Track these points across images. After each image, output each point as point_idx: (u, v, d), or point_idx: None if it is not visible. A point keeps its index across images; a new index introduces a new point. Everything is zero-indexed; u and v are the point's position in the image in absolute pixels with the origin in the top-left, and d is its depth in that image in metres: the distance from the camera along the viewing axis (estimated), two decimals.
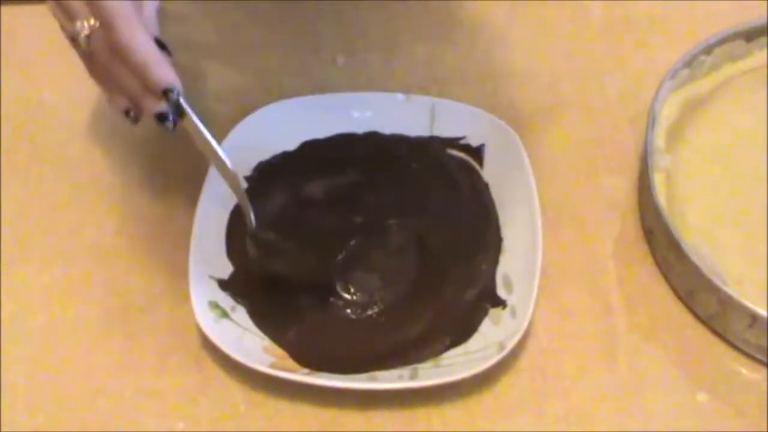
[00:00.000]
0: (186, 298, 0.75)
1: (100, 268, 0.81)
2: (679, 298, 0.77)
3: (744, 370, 0.74)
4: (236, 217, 0.81)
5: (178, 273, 0.77)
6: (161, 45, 0.67)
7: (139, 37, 0.64)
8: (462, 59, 0.92)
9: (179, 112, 0.68)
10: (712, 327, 0.75)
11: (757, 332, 0.72)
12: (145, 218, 0.83)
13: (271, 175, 0.83)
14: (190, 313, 0.74)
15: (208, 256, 0.78)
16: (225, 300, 0.77)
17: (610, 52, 0.92)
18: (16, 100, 0.91)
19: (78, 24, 0.65)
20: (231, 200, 0.81)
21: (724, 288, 0.71)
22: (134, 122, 0.69)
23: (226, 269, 0.79)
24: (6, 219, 0.84)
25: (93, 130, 0.89)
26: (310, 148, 0.85)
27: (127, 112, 0.68)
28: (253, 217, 0.76)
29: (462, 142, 0.84)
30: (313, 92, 0.87)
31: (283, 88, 0.88)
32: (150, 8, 0.68)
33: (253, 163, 0.84)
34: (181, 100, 0.67)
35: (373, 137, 0.85)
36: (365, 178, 0.83)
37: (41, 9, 0.95)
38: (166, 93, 0.66)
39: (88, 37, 0.65)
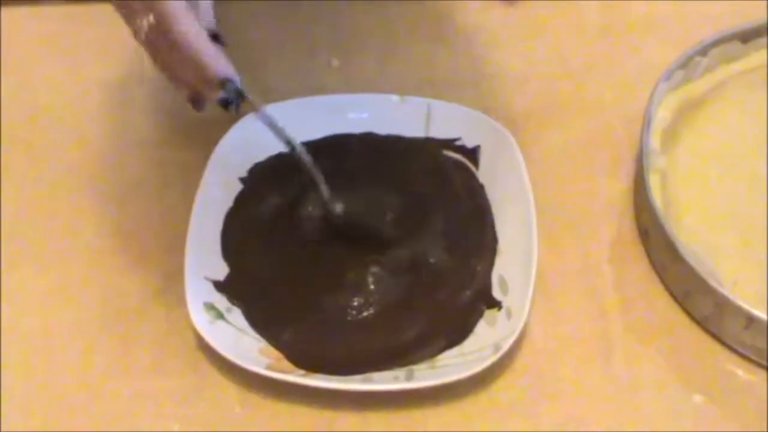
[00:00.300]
0: (181, 299, 0.75)
1: (96, 270, 0.81)
2: (675, 299, 0.77)
3: (740, 372, 0.74)
4: (231, 218, 0.81)
5: (174, 275, 0.77)
6: (216, 37, 0.68)
7: (192, 34, 0.66)
8: (457, 61, 0.92)
9: (239, 98, 0.70)
10: (708, 328, 0.75)
11: (752, 334, 0.72)
12: (140, 220, 0.83)
13: (266, 177, 0.83)
14: (186, 314, 0.74)
15: (204, 257, 0.78)
16: (221, 301, 0.77)
17: (605, 53, 0.92)
18: (13, 102, 0.91)
19: (138, 21, 0.67)
20: (226, 202, 0.81)
21: (720, 289, 0.71)
22: (198, 109, 0.71)
23: (221, 271, 0.78)
24: (2, 221, 0.84)
25: (89, 132, 0.89)
26: (305, 149, 0.85)
27: (193, 101, 0.71)
28: (324, 189, 0.77)
29: (457, 143, 0.84)
30: (308, 94, 0.87)
31: (278, 91, 0.88)
32: (205, 2, 0.69)
33: (248, 164, 0.84)
34: (241, 88, 0.69)
35: (368, 138, 0.85)
36: (360, 179, 0.83)
37: (40, 11, 0.95)
38: (223, 83, 0.68)
39: (147, 33, 0.67)
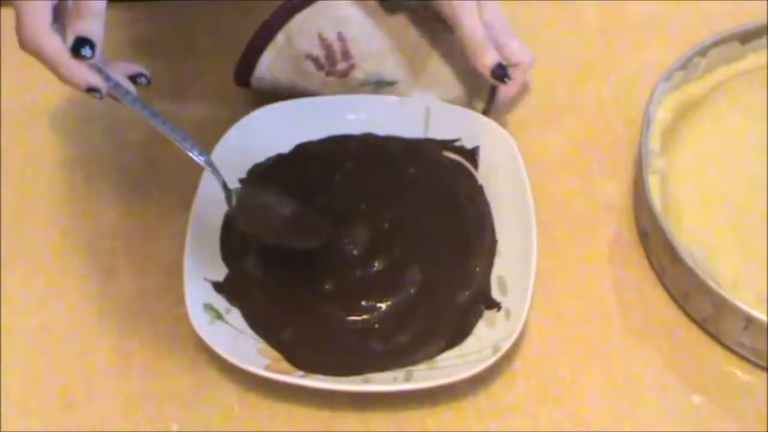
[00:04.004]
0: (180, 300, 0.75)
1: (95, 270, 0.81)
2: (674, 300, 0.77)
3: (739, 373, 0.74)
4: (231, 219, 0.81)
5: (173, 275, 0.77)
6: (80, 43, 0.65)
7: (45, 43, 0.64)
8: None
9: (114, 97, 0.68)
10: (707, 329, 0.75)
11: (751, 335, 0.72)
12: (139, 221, 0.83)
13: (265, 178, 0.83)
14: (185, 315, 0.74)
15: (203, 258, 0.78)
16: (220, 302, 0.77)
17: (604, 53, 0.92)
18: (13, 102, 0.91)
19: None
20: (225, 203, 0.81)
21: (719, 290, 0.71)
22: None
23: (220, 272, 0.78)
24: (2, 221, 0.84)
25: (88, 132, 0.89)
26: (304, 150, 0.85)
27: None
28: (220, 180, 0.75)
29: (456, 144, 0.84)
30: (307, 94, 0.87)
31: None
32: (88, 7, 0.65)
33: (247, 165, 0.84)
34: (104, 94, 0.67)
35: (367, 139, 0.85)
36: (359, 180, 0.83)
37: None
38: (89, 91, 0.66)
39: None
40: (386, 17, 0.82)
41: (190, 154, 0.72)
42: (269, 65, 0.83)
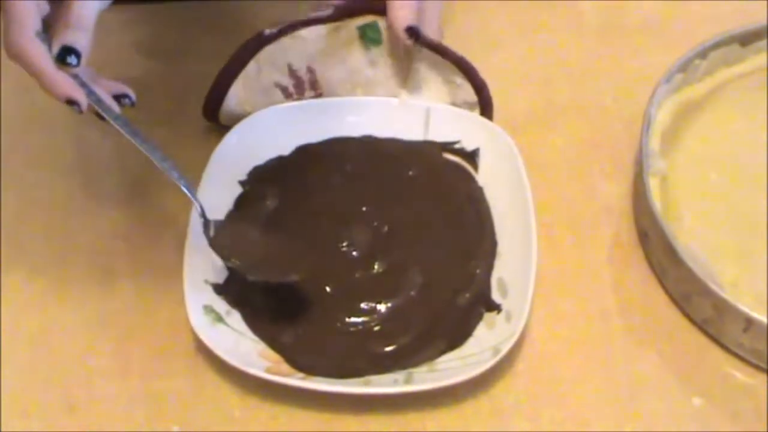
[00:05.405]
0: (181, 302, 0.75)
1: (95, 272, 0.81)
2: (674, 302, 0.77)
3: (739, 375, 0.74)
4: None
5: (173, 277, 0.76)
6: (67, 52, 0.65)
7: (29, 50, 0.64)
8: None
9: (98, 114, 0.69)
10: (707, 331, 0.75)
11: (752, 336, 0.72)
12: (139, 222, 0.83)
13: (265, 180, 0.83)
14: (185, 317, 0.74)
15: (203, 260, 0.78)
16: (220, 304, 0.77)
17: (604, 55, 0.92)
18: (13, 102, 0.91)
19: None
20: (226, 204, 0.81)
21: (719, 292, 0.71)
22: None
23: (220, 274, 0.78)
24: (2, 222, 0.84)
25: (88, 135, 0.89)
26: (304, 151, 0.85)
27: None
28: (197, 205, 0.75)
29: (457, 146, 0.84)
30: None
31: None
32: (80, 9, 0.66)
33: (248, 167, 0.84)
34: (83, 110, 0.67)
35: (367, 141, 0.85)
36: (360, 181, 0.83)
37: None
38: (69, 103, 0.66)
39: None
40: (352, 52, 0.85)
41: (169, 175, 0.72)
42: (238, 97, 0.85)
